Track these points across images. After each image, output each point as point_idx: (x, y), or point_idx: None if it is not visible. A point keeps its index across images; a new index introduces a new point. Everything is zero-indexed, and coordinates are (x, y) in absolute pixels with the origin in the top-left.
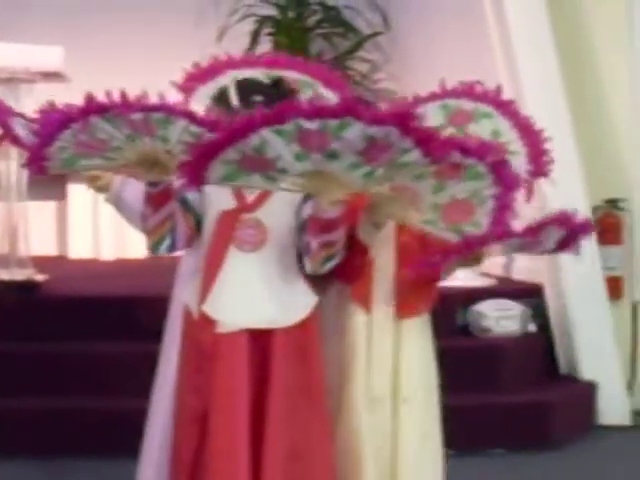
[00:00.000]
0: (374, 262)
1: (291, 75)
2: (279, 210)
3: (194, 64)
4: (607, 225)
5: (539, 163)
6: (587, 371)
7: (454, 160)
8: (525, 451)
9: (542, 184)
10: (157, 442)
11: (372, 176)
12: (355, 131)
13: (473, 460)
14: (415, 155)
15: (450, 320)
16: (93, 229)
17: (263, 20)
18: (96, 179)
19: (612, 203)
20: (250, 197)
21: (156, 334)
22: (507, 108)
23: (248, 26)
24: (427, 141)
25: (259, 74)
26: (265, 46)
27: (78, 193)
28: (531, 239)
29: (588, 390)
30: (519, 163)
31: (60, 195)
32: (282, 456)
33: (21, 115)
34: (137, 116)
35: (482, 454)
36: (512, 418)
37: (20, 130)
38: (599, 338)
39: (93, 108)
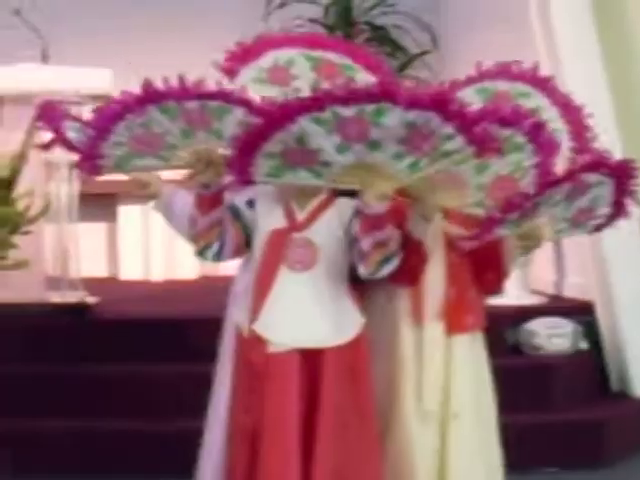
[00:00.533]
0: (426, 274)
1: (331, 57)
2: (329, 229)
3: (237, 43)
4: None
5: (582, 139)
6: (639, 388)
7: (494, 137)
8: (578, 469)
9: None
10: (212, 461)
11: (417, 166)
12: (394, 117)
13: (526, 478)
14: (458, 142)
15: (501, 338)
16: (143, 250)
17: None
18: (147, 185)
19: None
20: (301, 216)
21: (208, 355)
22: (545, 85)
23: None
24: (469, 126)
25: (300, 54)
26: None
27: (128, 214)
28: (579, 194)
29: None
30: (561, 140)
31: (110, 217)
32: (331, 474)
33: (77, 118)
34: (193, 105)
35: (535, 472)
36: (565, 436)
37: (73, 134)
38: None
39: (150, 95)
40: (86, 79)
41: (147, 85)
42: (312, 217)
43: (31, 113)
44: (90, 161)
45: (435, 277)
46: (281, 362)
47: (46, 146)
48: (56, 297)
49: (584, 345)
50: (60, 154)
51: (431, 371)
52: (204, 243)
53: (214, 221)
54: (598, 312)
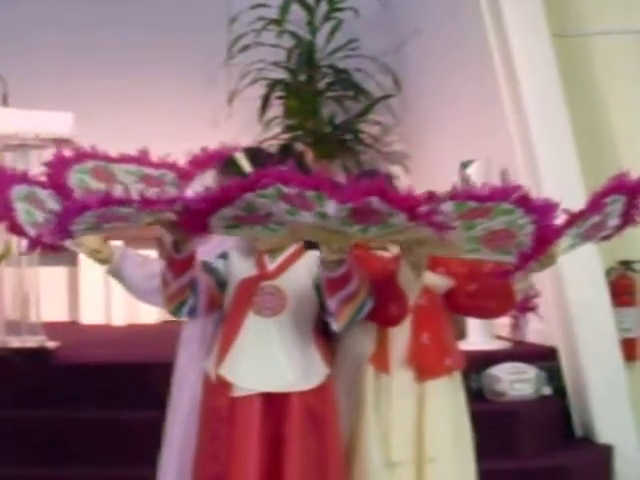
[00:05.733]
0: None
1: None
2: (298, 278)
3: (202, 148)
4: (621, 287)
5: None
6: (603, 434)
7: (438, 217)
8: None
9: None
10: None
11: (367, 232)
12: (332, 206)
13: None
14: (401, 218)
15: (464, 384)
16: (105, 294)
17: (274, 84)
18: (97, 253)
19: (626, 264)
20: (271, 266)
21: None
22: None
23: (259, 90)
24: (411, 208)
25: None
26: (276, 109)
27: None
28: (597, 214)
29: (604, 453)
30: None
31: (71, 261)
32: None
33: (29, 180)
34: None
35: None
36: None
37: (21, 213)
38: (615, 400)
39: (111, 202)
40: (47, 122)
41: (106, 199)
42: (282, 267)
43: None
44: (61, 235)
45: (401, 326)
46: (245, 406)
47: None
48: (16, 342)
49: (547, 391)
50: None
51: (400, 423)
52: (177, 304)
53: (186, 283)
54: (561, 357)
